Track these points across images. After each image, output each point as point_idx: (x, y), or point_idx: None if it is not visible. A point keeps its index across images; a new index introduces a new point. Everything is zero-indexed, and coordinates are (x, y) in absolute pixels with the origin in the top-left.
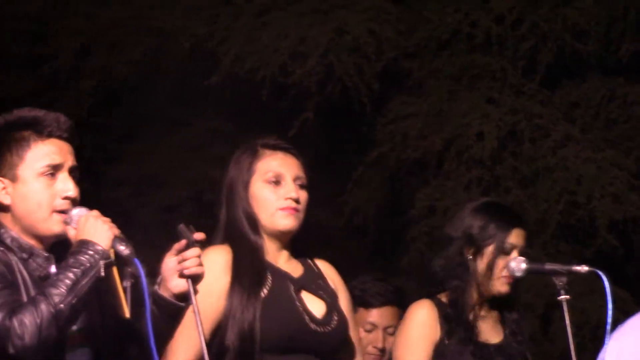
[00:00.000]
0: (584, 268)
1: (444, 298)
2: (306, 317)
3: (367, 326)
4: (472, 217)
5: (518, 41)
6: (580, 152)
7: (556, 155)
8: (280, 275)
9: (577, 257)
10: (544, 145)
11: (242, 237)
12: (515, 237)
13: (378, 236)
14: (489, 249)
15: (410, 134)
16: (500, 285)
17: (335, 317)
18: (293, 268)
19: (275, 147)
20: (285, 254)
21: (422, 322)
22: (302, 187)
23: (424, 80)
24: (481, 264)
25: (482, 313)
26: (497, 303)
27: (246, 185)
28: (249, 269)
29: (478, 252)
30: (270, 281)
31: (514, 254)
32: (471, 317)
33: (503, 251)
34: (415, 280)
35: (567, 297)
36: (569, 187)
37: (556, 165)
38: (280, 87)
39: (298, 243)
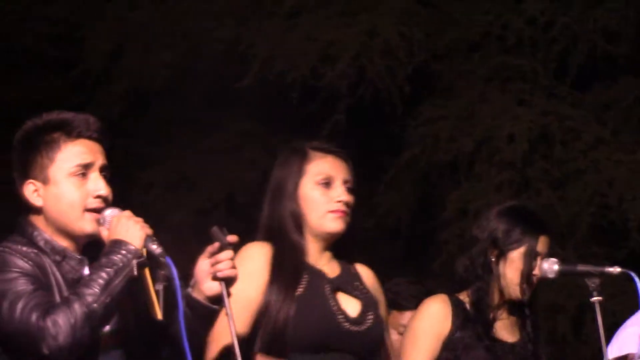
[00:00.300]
0: (616, 269)
1: (462, 296)
2: (340, 316)
3: (400, 329)
4: (498, 220)
5: (549, 43)
6: (612, 154)
7: (587, 157)
8: (317, 275)
9: (608, 259)
10: (575, 148)
11: (284, 236)
12: (541, 244)
13: (410, 238)
14: (513, 254)
15: (441, 136)
16: (522, 292)
17: (370, 317)
18: (331, 269)
19: (326, 150)
20: (327, 255)
21: (431, 315)
22: (350, 190)
23: (454, 82)
24: (503, 268)
25: (502, 314)
26: (517, 305)
27: (296, 185)
28: (288, 269)
29: (502, 255)
30: (306, 280)
31: (537, 261)
32: (491, 317)
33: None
34: (447, 282)
35: (600, 298)
36: (600, 189)
37: (587, 168)
38: (311, 89)
39: (340, 245)
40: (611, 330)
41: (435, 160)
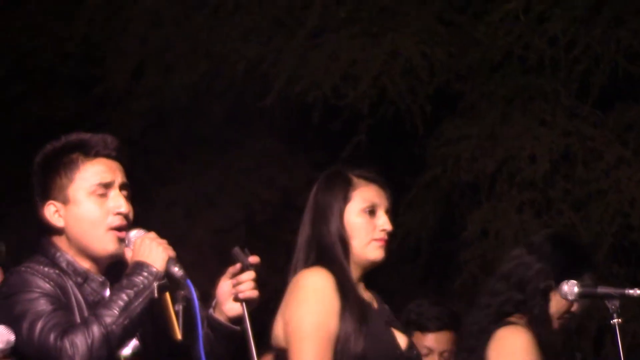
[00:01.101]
0: (637, 291)
1: (520, 321)
2: (398, 351)
3: (423, 350)
4: (554, 249)
5: (571, 63)
6: (634, 174)
7: (609, 178)
8: (369, 306)
9: (630, 280)
10: (597, 168)
11: (340, 263)
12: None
13: (430, 258)
14: (564, 293)
15: (463, 157)
16: (558, 325)
17: (415, 352)
18: (370, 299)
19: (370, 179)
20: (362, 284)
21: (529, 346)
22: (390, 220)
23: (476, 102)
24: (555, 299)
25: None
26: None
27: (341, 211)
28: (355, 297)
29: (556, 286)
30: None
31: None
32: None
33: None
34: (468, 303)
35: (620, 320)
36: (622, 209)
37: (609, 188)
38: (332, 109)
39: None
40: (631, 351)
41: (456, 180)
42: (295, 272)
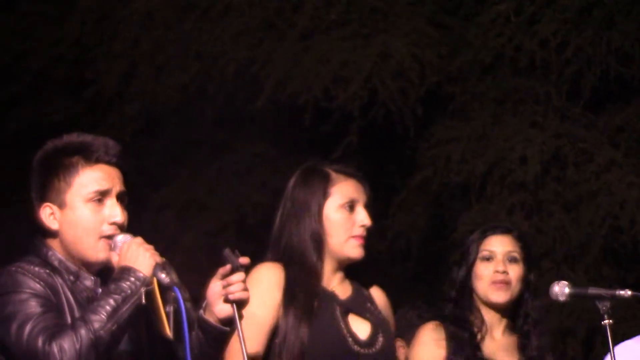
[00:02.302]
0: (627, 292)
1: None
2: (350, 339)
3: None
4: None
5: (562, 65)
6: (624, 176)
7: (600, 180)
8: (328, 297)
9: (620, 282)
10: (587, 170)
11: (302, 258)
12: (492, 243)
13: (421, 260)
14: (473, 262)
15: (453, 158)
16: (492, 294)
17: (381, 339)
18: (343, 290)
19: (348, 174)
20: (339, 275)
21: (426, 342)
22: (370, 215)
23: (467, 104)
24: (473, 280)
25: (497, 335)
26: (518, 326)
27: (320, 207)
28: (303, 294)
29: (467, 269)
30: (316, 303)
31: (498, 259)
32: (478, 336)
33: (485, 258)
34: None
35: (610, 321)
36: (612, 211)
37: (600, 190)
38: (323, 111)
39: (352, 266)
40: None
41: (446, 181)
42: None
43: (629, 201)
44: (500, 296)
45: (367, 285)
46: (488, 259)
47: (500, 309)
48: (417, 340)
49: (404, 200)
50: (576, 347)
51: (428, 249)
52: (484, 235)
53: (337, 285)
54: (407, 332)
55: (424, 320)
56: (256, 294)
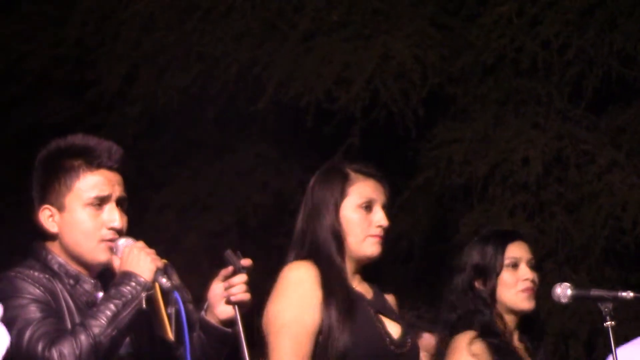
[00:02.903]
0: (630, 294)
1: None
2: (387, 339)
3: (432, 351)
4: (470, 252)
5: (564, 66)
6: (626, 177)
7: (602, 181)
8: (359, 298)
9: (622, 283)
10: (589, 171)
11: (329, 257)
12: (515, 250)
13: (423, 261)
14: (498, 272)
15: (455, 159)
16: (521, 302)
17: (409, 340)
18: (365, 290)
19: (367, 174)
20: (358, 276)
21: (476, 354)
22: (387, 215)
23: (468, 105)
24: (497, 289)
25: (512, 342)
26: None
27: (337, 206)
28: (341, 290)
29: (488, 279)
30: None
31: (523, 266)
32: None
33: (510, 265)
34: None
35: (613, 323)
36: (614, 212)
37: (601, 191)
38: (325, 112)
39: (368, 268)
40: None
41: (448, 183)
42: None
43: (631, 202)
44: (530, 303)
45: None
46: (513, 266)
47: (519, 317)
48: (461, 353)
49: (406, 202)
50: (578, 348)
51: (430, 250)
52: (505, 242)
53: (358, 286)
54: (414, 333)
55: (423, 321)
56: (300, 297)
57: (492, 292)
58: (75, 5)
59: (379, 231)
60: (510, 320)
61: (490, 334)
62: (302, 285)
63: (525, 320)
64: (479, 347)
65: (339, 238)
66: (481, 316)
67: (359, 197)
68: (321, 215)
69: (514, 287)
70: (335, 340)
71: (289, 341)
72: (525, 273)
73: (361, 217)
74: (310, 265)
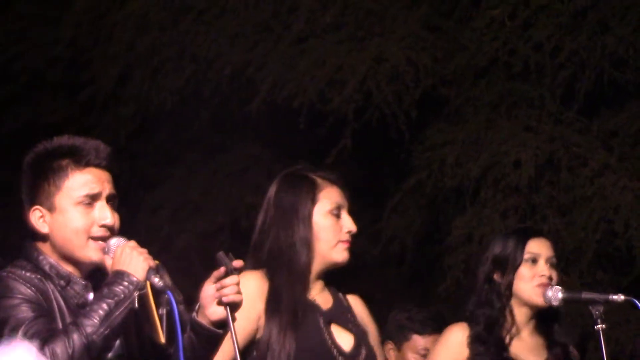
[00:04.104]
0: (620, 297)
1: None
2: (334, 350)
3: (422, 352)
4: (490, 248)
5: (556, 69)
6: (618, 180)
7: (594, 184)
8: (311, 307)
9: (614, 286)
10: (581, 174)
11: (290, 263)
12: (535, 246)
13: (415, 263)
14: (512, 265)
15: (448, 162)
16: (536, 296)
17: (364, 351)
18: (324, 299)
19: (333, 180)
20: (320, 283)
21: (452, 342)
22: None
23: (461, 107)
24: (514, 283)
25: (524, 335)
26: (543, 325)
27: (310, 213)
28: (289, 304)
29: (506, 272)
30: (300, 313)
31: (542, 262)
32: (507, 338)
33: (529, 260)
34: (453, 307)
35: (603, 326)
36: (606, 215)
37: (594, 194)
38: (318, 114)
39: (335, 275)
40: (614, 358)
41: (441, 185)
42: None
43: (623, 205)
44: (540, 299)
45: (351, 293)
46: (532, 261)
47: (534, 311)
48: (441, 341)
49: (398, 204)
50: None
51: (422, 252)
52: (526, 237)
53: (319, 294)
54: (398, 334)
55: (413, 322)
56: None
57: (509, 285)
58: (69, 5)
59: (348, 237)
60: (522, 313)
61: (488, 324)
62: (244, 293)
63: (542, 312)
64: (462, 335)
65: (308, 245)
66: (488, 309)
67: (329, 203)
68: (289, 221)
69: (531, 281)
70: (276, 352)
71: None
72: (543, 269)
73: (332, 222)
74: (259, 275)
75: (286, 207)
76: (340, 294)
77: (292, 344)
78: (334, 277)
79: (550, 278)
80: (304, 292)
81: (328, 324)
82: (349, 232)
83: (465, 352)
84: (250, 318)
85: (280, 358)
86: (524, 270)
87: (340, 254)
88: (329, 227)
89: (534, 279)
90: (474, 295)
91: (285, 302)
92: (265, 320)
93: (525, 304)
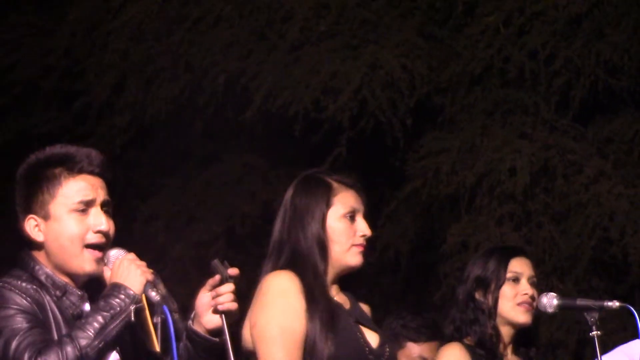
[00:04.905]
0: (615, 304)
1: (469, 342)
2: (367, 349)
3: (416, 359)
4: (472, 266)
5: (551, 76)
6: (613, 187)
7: (589, 191)
8: (339, 308)
9: (609, 293)
10: (576, 181)
11: (313, 266)
12: (517, 265)
13: (410, 271)
14: (499, 285)
15: (443, 169)
16: (518, 315)
17: (387, 349)
18: (343, 301)
19: (349, 184)
20: (335, 287)
21: None
22: (369, 225)
23: (456, 115)
24: (498, 301)
25: (506, 354)
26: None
27: (324, 215)
28: (323, 300)
29: (489, 291)
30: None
31: (524, 281)
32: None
33: (511, 279)
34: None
35: (599, 332)
36: (601, 222)
37: (589, 201)
38: (313, 122)
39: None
40: None
41: (436, 193)
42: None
43: (618, 212)
44: (527, 317)
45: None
46: (514, 280)
47: (516, 330)
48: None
49: (393, 212)
50: (566, 359)
51: (417, 260)
52: (508, 257)
53: (336, 296)
54: (392, 342)
55: (408, 330)
56: (287, 306)
57: (495, 304)
58: (64, 15)
59: (362, 241)
60: (506, 332)
61: (483, 344)
62: (288, 294)
63: (521, 333)
64: (463, 355)
65: (324, 247)
66: (478, 326)
67: (343, 207)
68: (305, 224)
69: (513, 300)
70: (319, 351)
71: (281, 351)
72: (525, 288)
73: (346, 226)
74: (292, 275)
75: (302, 209)
76: (353, 296)
77: (333, 343)
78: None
79: (532, 297)
80: (329, 290)
81: (356, 323)
82: (363, 235)
83: None
84: (301, 314)
85: (322, 357)
86: (506, 290)
87: (354, 258)
88: (343, 231)
89: (516, 297)
90: (456, 312)
91: (322, 302)
92: (308, 318)
93: (508, 322)
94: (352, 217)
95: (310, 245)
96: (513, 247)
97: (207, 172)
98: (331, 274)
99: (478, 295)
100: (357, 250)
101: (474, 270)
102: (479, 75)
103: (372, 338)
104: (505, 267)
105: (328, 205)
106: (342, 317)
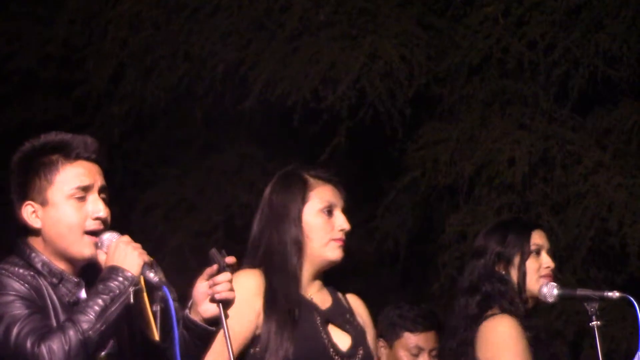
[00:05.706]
0: (615, 294)
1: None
2: (331, 350)
3: (413, 350)
4: (489, 239)
5: (550, 67)
6: (612, 178)
7: (587, 182)
8: (308, 307)
9: (608, 284)
10: (575, 172)
11: (283, 263)
12: (538, 237)
13: (409, 262)
14: (519, 258)
15: (441, 160)
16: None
17: (361, 352)
18: (322, 299)
19: (325, 179)
20: (317, 283)
21: (513, 330)
22: (348, 220)
23: (455, 105)
24: (517, 273)
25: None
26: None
27: (299, 212)
28: (285, 300)
29: (510, 264)
30: (297, 312)
31: (544, 253)
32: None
33: (534, 252)
34: (446, 305)
35: (598, 322)
36: (600, 213)
37: (587, 192)
38: (312, 112)
39: (330, 274)
40: (609, 355)
41: (434, 183)
42: None
43: (617, 203)
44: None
45: (345, 291)
46: (537, 252)
47: (535, 303)
48: (504, 338)
49: (392, 202)
50: (564, 349)
51: (416, 250)
52: (529, 229)
53: (316, 294)
54: (390, 332)
55: (405, 320)
56: (234, 306)
57: (523, 278)
58: (63, 4)
59: (341, 235)
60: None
61: (519, 316)
62: (239, 294)
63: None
64: (518, 326)
65: (299, 244)
66: (507, 300)
67: (320, 202)
68: (280, 221)
69: (536, 273)
70: (273, 352)
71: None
72: (547, 261)
73: (324, 221)
74: (256, 274)
75: (278, 207)
76: (340, 294)
77: (289, 343)
78: (328, 276)
79: (553, 270)
80: (298, 291)
81: (325, 323)
82: (341, 230)
83: (525, 341)
84: (250, 314)
85: (278, 356)
86: (529, 263)
87: (333, 252)
88: (320, 226)
89: (540, 270)
90: (487, 284)
91: (281, 301)
92: (264, 319)
93: (532, 296)
94: (329, 211)
95: (284, 243)
96: (531, 220)
97: (206, 162)
98: (310, 270)
99: (499, 269)
100: (336, 244)
101: (490, 244)
102: (478, 65)
103: (343, 339)
104: (528, 240)
105: (304, 200)
106: (307, 318)
